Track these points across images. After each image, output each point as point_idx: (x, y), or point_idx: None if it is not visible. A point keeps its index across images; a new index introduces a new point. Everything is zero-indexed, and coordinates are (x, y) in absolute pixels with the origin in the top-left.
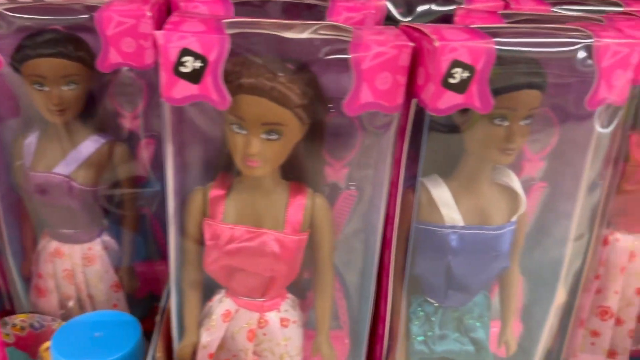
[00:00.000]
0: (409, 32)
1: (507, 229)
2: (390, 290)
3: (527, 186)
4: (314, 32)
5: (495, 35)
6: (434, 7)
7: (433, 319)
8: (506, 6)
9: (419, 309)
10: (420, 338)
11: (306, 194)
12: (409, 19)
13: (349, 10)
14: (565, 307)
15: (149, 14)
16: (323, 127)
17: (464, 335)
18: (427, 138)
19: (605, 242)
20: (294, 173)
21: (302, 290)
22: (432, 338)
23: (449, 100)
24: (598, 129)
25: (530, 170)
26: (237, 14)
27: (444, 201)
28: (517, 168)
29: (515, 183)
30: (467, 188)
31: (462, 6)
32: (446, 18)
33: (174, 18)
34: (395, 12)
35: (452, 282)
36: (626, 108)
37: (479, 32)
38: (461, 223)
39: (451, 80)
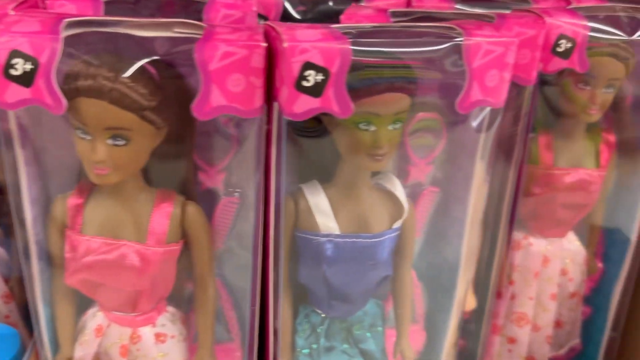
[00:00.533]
0: (270, 32)
1: (386, 237)
2: (271, 300)
3: (417, 191)
4: (168, 29)
5: (359, 36)
6: (333, 5)
7: (319, 330)
8: (408, 3)
9: (305, 320)
10: (306, 351)
11: (173, 202)
12: (309, 16)
13: (228, 7)
14: (476, 314)
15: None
16: (189, 130)
17: (353, 346)
18: (298, 143)
19: (517, 246)
20: (162, 179)
21: (186, 303)
22: (317, 350)
23: (305, 105)
24: (475, 132)
25: (417, 175)
26: (108, 13)
27: (321, 209)
28: (403, 173)
29: (398, 189)
30: (345, 194)
31: (362, 4)
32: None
33: (10, 18)
34: (292, 10)
35: (332, 292)
36: (527, 109)
37: (336, 33)
38: (337, 231)
39: (305, 83)
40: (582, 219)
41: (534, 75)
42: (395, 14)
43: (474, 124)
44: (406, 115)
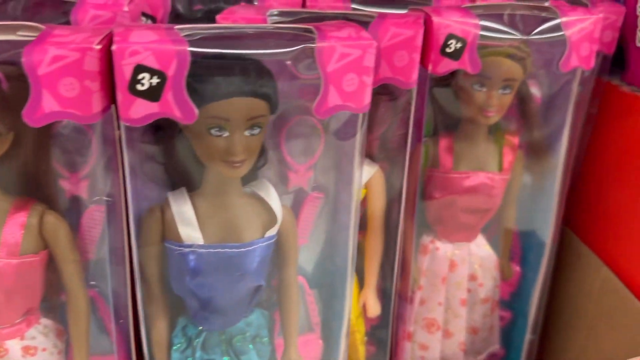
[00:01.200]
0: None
1: (256, 246)
2: (141, 313)
3: (301, 197)
4: (11, 32)
5: (204, 38)
6: (224, 4)
7: (195, 343)
8: (303, 4)
9: (182, 332)
10: None
11: (29, 211)
12: (199, 15)
13: (97, 7)
14: (384, 320)
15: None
16: (41, 135)
17: (234, 358)
18: (161, 148)
19: (425, 250)
20: (21, 188)
21: (62, 315)
22: None
23: (142, 110)
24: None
25: (298, 180)
26: None
27: (184, 218)
28: (284, 179)
29: (272, 196)
30: (213, 203)
31: (255, 3)
32: None
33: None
34: (180, 8)
35: (203, 304)
36: (416, 113)
37: (175, 35)
38: (201, 241)
39: (139, 87)
40: (488, 222)
41: (413, 77)
42: (274, 14)
43: (340, 129)
44: (265, 120)
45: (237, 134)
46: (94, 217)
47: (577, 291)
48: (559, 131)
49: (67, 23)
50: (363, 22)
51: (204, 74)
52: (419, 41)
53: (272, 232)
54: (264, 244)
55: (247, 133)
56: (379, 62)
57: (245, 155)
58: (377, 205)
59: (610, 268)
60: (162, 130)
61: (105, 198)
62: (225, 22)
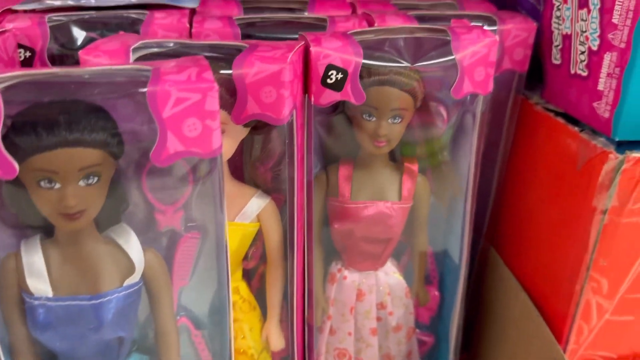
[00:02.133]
0: None
1: (112, 297)
2: None
3: (175, 239)
4: None
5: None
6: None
7: None
8: (190, 29)
9: None
10: None
11: None
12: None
13: None
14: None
15: None
16: None
17: None
18: None
19: (333, 279)
20: None
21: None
22: None
23: None
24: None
25: (168, 221)
26: None
27: (34, 269)
28: (152, 222)
29: (131, 242)
30: (65, 251)
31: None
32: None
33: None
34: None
35: (63, 357)
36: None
37: None
38: (50, 294)
39: None
40: (402, 248)
41: (284, 114)
42: (138, 48)
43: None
44: (104, 167)
45: (69, 185)
46: None
47: (500, 315)
48: (463, 155)
49: None
50: (230, 54)
51: (22, 125)
52: (286, 77)
53: (133, 280)
54: (122, 293)
55: (82, 183)
56: (246, 99)
57: (84, 206)
58: (273, 237)
59: (528, 292)
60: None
61: None
62: (87, 58)
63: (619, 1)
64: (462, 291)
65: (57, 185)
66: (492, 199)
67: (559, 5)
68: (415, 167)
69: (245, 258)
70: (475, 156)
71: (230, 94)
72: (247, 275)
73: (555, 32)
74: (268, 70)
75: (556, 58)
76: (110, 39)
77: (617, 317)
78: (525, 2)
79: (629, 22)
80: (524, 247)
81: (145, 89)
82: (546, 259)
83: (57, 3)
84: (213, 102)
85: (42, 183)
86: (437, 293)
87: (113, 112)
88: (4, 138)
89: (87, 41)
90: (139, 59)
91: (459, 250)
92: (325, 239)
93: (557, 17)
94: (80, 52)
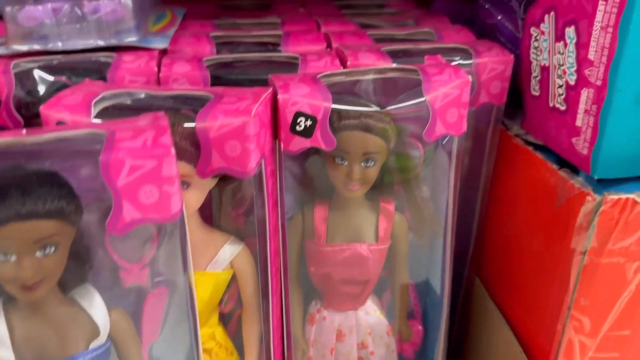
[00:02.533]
0: None
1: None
2: None
3: (142, 295)
4: None
5: None
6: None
7: None
8: (158, 80)
9: None
10: None
11: None
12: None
13: None
14: None
15: None
16: None
17: None
18: None
19: (312, 320)
20: None
21: None
22: None
23: None
24: None
25: (135, 279)
26: None
27: None
28: (116, 280)
29: (94, 304)
30: (28, 315)
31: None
32: None
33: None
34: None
35: None
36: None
37: None
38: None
39: None
40: (383, 286)
41: (250, 167)
42: (100, 100)
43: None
44: (61, 237)
45: (26, 257)
46: None
47: (484, 350)
48: (441, 192)
49: None
50: (195, 105)
51: None
52: (251, 130)
53: (98, 342)
54: (89, 356)
55: (39, 254)
56: (211, 153)
57: (42, 276)
58: (248, 283)
59: (512, 326)
60: None
61: None
62: (49, 113)
63: (594, 37)
64: (445, 325)
65: (13, 258)
66: (476, 227)
67: (536, 36)
68: (391, 206)
69: (221, 302)
70: (453, 193)
71: (196, 147)
72: (224, 319)
73: (534, 62)
74: (232, 124)
75: (535, 89)
76: (73, 90)
77: (601, 354)
78: (505, 30)
79: (604, 59)
80: (507, 279)
81: (98, 158)
82: (529, 293)
83: (24, 48)
84: (170, 167)
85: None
86: (420, 327)
87: (70, 174)
88: None
89: (55, 87)
90: (100, 112)
91: (441, 284)
92: (305, 278)
93: (535, 48)
94: (41, 108)
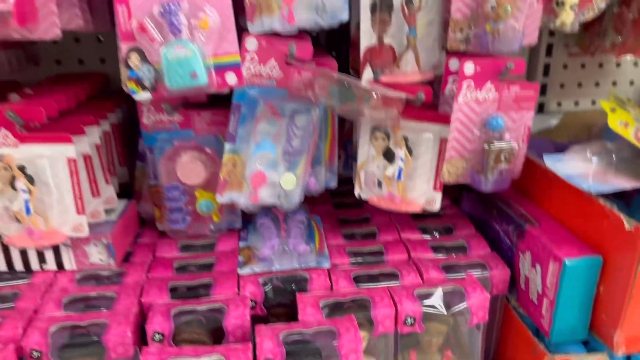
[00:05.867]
0: None
1: None
2: None
3: None
4: None
5: None
6: None
7: None
8: None
9: None
10: None
11: None
12: None
13: None
14: None
15: None
16: None
17: None
18: None
19: None
20: None
21: None
22: None
23: None
24: None
25: None
26: None
27: None
28: None
29: None
30: None
31: None
32: None
33: None
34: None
35: None
36: None
37: None
38: None
39: None
40: None
41: None
42: None
43: None
44: None
45: None
46: None
47: None
48: None
49: None
50: None
51: None
52: None
53: None
54: None
55: None
56: None
57: None
58: None
59: None
60: None
61: None
62: None
63: (550, 273)
64: None
65: None
66: None
67: (523, 257)
68: None
69: None
70: None
71: None
72: None
73: (522, 274)
74: None
75: (523, 287)
76: None
77: None
78: (505, 243)
79: (552, 288)
80: None
81: None
82: None
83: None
84: None
85: None
86: None
87: None
88: None
89: None
90: None
91: None
92: None
93: (522, 265)
94: None
